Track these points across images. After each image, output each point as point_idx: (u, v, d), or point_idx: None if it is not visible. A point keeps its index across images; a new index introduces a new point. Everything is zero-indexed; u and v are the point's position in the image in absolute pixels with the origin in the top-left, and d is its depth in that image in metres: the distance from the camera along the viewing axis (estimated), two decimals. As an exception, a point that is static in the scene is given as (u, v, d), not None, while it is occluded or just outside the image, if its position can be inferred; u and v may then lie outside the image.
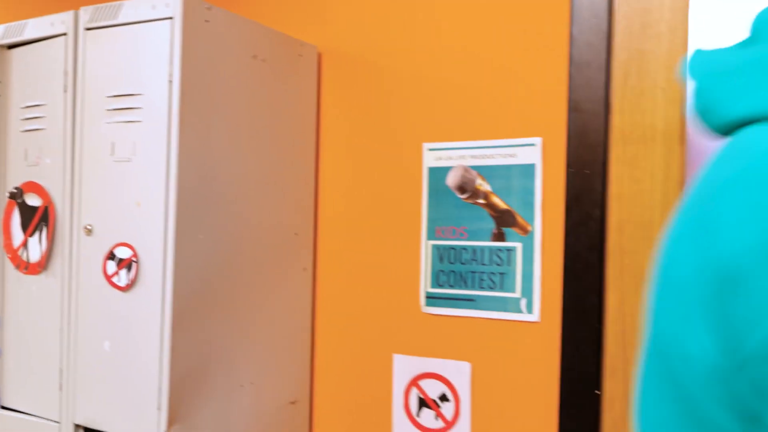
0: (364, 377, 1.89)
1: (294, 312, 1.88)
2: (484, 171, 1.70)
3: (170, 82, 1.49)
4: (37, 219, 1.69)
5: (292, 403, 1.88)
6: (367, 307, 1.88)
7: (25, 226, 1.71)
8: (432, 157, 1.78)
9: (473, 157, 1.72)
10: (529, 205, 1.65)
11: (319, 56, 1.93)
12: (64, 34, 1.63)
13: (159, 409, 1.51)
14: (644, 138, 1.53)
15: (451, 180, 1.75)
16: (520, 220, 1.67)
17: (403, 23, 1.82)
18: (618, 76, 1.53)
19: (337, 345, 1.93)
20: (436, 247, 1.77)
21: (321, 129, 1.94)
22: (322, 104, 1.94)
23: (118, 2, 1.55)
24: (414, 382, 1.81)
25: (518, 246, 1.67)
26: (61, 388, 1.64)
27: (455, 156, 1.75)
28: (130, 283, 1.54)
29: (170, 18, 1.48)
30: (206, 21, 1.54)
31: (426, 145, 1.78)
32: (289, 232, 1.84)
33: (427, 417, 1.79)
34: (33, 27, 1.69)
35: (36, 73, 1.69)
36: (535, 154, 1.64)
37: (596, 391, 1.59)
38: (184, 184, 1.50)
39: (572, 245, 1.61)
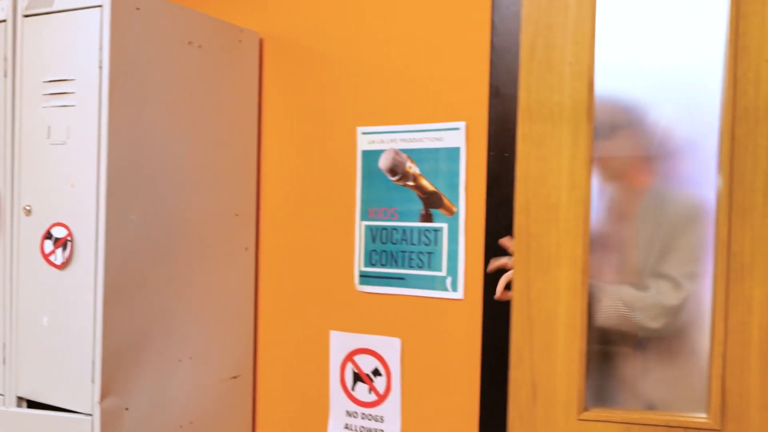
0: (305, 353, 1.96)
1: (236, 290, 1.94)
2: (413, 154, 1.76)
3: (100, 67, 1.54)
4: (-19, 200, 1.75)
5: (234, 377, 1.95)
6: (307, 285, 1.95)
7: (-30, 207, 1.77)
8: (365, 140, 1.83)
9: (403, 140, 1.77)
10: (455, 187, 1.71)
11: (261, 42, 1.98)
12: (4, 21, 1.68)
13: (93, 381, 1.58)
14: (551, 115, 1.49)
15: (383, 163, 1.81)
16: (446, 201, 1.73)
17: (341, 11, 1.87)
18: (525, 51, 1.49)
19: (280, 322, 2.00)
20: (369, 228, 1.83)
21: (263, 113, 2.00)
22: (264, 88, 1.99)
23: (53, -10, 1.60)
24: (349, 357, 1.88)
25: (444, 226, 1.73)
26: (4, 362, 1.71)
27: (387, 140, 1.80)
28: (65, 261, 1.60)
29: (99, 6, 1.53)
30: (137, 8, 1.59)
31: (360, 129, 1.84)
32: (230, 213, 1.90)
33: (361, 391, 1.86)
34: (-24, 13, 1.74)
35: (-21, 59, 1.75)
36: (459, 137, 1.70)
37: (515, 366, 1.65)
38: (114, 166, 1.56)
39: (493, 226, 1.66)
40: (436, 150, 1.73)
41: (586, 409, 1.47)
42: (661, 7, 1.48)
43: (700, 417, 1.42)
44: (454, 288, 1.72)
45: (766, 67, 1.38)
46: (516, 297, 1.49)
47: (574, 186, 1.48)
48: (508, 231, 1.63)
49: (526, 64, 1.49)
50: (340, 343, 1.89)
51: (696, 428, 1.40)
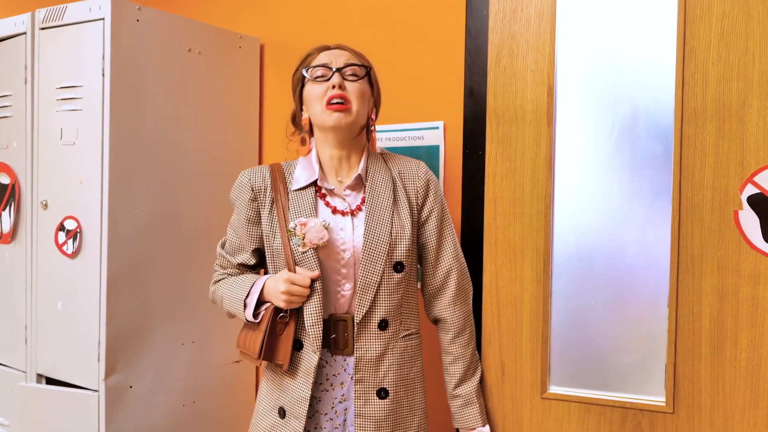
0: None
1: (239, 280, 2.08)
2: (398, 152, 1.85)
3: (103, 75, 1.69)
4: (7, 195, 1.94)
5: (237, 362, 2.09)
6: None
7: (-1, 202, 1.97)
8: (355, 139, 1.93)
9: (388, 139, 1.87)
10: (435, 183, 1.79)
11: (262, 48, 2.11)
12: (24, 33, 1.85)
13: (98, 360, 1.74)
14: (515, 118, 1.59)
15: (370, 160, 1.90)
16: (427, 197, 1.81)
17: (334, 19, 1.98)
18: (492, 58, 1.61)
19: (281, 311, 2.12)
20: (358, 222, 1.93)
21: (264, 113, 2.12)
22: (265, 90, 2.12)
23: (64, 4, 1.76)
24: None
25: (425, 221, 1.81)
26: (26, 342, 1.89)
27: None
28: (75, 251, 1.77)
29: (102, 19, 1.68)
30: (137, 20, 1.73)
31: (349, 129, 1.94)
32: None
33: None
34: (2, 26, 1.92)
35: (5, 67, 1.93)
36: (438, 136, 1.78)
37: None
38: (115, 164, 1.71)
39: (468, 222, 1.74)
40: (418, 148, 1.82)
41: (549, 388, 1.58)
42: (617, 14, 1.53)
43: (655, 400, 1.49)
44: (435, 279, 1.80)
45: (713, 70, 1.43)
46: (486, 284, 1.62)
47: (536, 182, 1.58)
48: (482, 227, 1.71)
49: (492, 70, 1.60)
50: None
51: (650, 410, 1.49)
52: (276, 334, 1.40)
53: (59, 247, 1.80)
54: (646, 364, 1.51)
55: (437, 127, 1.78)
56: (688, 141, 1.45)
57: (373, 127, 1.49)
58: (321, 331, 1.37)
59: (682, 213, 1.46)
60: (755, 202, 1.39)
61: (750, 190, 1.40)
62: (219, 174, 1.99)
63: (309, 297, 1.37)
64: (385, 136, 1.87)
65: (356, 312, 1.38)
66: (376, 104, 1.51)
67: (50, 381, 1.87)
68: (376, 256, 1.38)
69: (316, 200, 1.42)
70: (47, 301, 1.84)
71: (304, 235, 1.35)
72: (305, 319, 1.38)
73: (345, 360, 1.40)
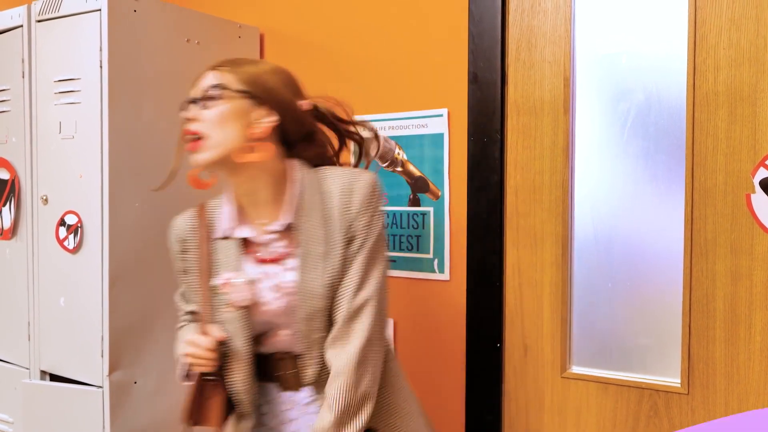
0: (308, 333, 2.05)
1: (242, 273, 2.05)
2: (401, 141, 1.83)
3: (101, 67, 1.67)
4: (7, 191, 1.91)
5: (242, 355, 2.06)
6: (309, 268, 2.04)
7: (-1, 198, 1.94)
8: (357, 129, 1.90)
9: (391, 128, 1.84)
10: (439, 172, 1.77)
11: (262, 37, 2.08)
12: (20, 26, 1.82)
13: (102, 356, 1.72)
14: (534, 108, 1.64)
15: (372, 150, 1.87)
16: (432, 186, 1.79)
17: (334, 6, 1.95)
18: (512, 51, 1.64)
19: (285, 303, 2.10)
20: (362, 213, 1.91)
21: (265, 105, 2.09)
22: (266, 81, 2.09)
23: (60, -4, 1.74)
24: (347, 336, 1.97)
25: (430, 210, 1.79)
26: (29, 339, 1.87)
27: (377, 127, 1.87)
28: (77, 246, 1.75)
29: (98, 10, 1.66)
30: (134, 11, 1.71)
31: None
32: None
33: (358, 369, 1.95)
34: (-1, 20, 1.89)
35: (2, 61, 1.90)
36: (442, 124, 1.76)
37: (497, 344, 1.70)
38: (115, 157, 1.69)
39: (474, 209, 1.72)
40: (422, 136, 1.79)
41: (568, 368, 1.64)
42: (630, 2, 1.54)
43: (671, 381, 1.52)
44: (441, 269, 1.78)
45: (725, 54, 1.42)
46: (508, 269, 1.69)
47: (555, 170, 1.63)
48: (489, 214, 1.69)
49: (512, 63, 1.65)
50: (339, 322, 1.97)
51: (665, 391, 1.52)
52: (205, 396, 1.29)
53: (60, 242, 1.78)
54: (662, 345, 1.54)
55: (441, 115, 1.75)
56: (700, 126, 1.45)
57: (261, 138, 1.22)
58: (252, 398, 1.28)
59: (695, 197, 1.46)
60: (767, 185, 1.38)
61: (762, 173, 1.39)
62: (220, 166, 1.96)
63: (235, 361, 1.25)
64: (388, 124, 1.84)
65: (307, 372, 1.25)
66: (279, 106, 1.24)
67: (54, 377, 1.86)
68: (313, 315, 1.22)
69: (240, 251, 1.26)
70: (49, 297, 1.82)
71: (228, 295, 1.25)
72: (231, 386, 1.28)
73: (293, 395, 1.30)
